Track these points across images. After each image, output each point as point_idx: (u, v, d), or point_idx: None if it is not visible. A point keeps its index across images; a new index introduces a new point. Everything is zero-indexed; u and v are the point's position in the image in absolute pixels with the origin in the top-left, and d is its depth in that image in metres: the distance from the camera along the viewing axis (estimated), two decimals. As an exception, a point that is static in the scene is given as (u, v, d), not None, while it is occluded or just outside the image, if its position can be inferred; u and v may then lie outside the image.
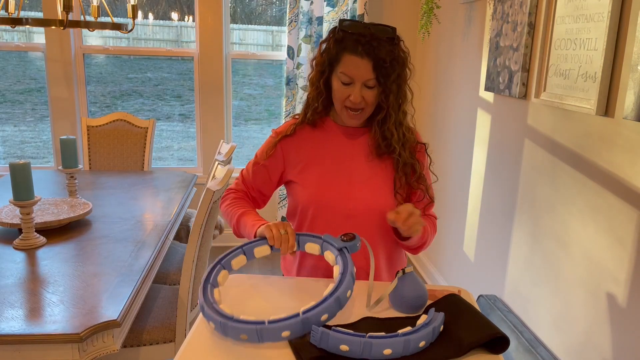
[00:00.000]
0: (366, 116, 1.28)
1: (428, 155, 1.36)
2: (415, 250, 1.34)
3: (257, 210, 1.36)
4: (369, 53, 1.18)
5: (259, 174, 1.37)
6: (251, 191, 1.40)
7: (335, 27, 1.25)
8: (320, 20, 3.32)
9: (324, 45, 1.27)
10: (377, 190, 1.29)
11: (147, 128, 3.09)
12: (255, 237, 1.21)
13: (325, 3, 3.31)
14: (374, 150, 1.30)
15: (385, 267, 1.37)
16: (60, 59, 3.42)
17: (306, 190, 1.32)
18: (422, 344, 0.93)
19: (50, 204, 2.11)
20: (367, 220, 1.28)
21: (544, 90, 1.88)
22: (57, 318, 1.33)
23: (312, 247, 1.17)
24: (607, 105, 1.55)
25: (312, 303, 0.97)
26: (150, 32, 6.18)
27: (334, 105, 1.29)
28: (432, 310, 1.01)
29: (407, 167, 1.29)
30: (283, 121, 3.53)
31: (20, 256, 1.71)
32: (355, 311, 1.11)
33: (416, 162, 1.30)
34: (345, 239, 1.13)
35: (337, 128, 1.34)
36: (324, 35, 3.27)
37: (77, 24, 2.24)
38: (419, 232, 1.19)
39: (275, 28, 6.07)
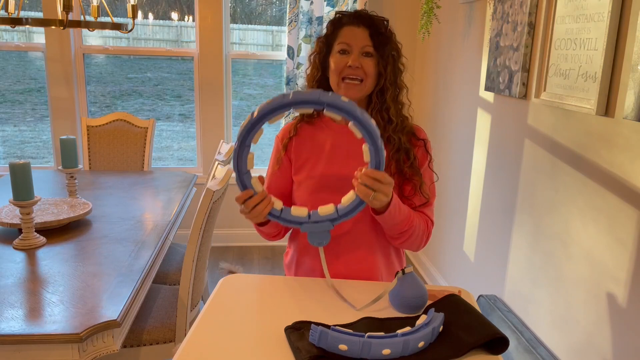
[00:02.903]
0: (365, 90, 1.27)
1: (428, 152, 1.33)
2: (398, 238, 1.27)
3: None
4: (364, 23, 1.26)
5: (280, 181, 1.37)
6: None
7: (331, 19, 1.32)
8: (320, 20, 3.32)
9: (321, 36, 1.32)
10: None
11: (147, 128, 3.08)
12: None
13: (325, 3, 3.31)
14: None
15: (384, 266, 1.36)
16: (60, 59, 3.42)
17: (300, 188, 1.33)
18: (421, 344, 0.93)
19: (50, 204, 2.11)
20: (361, 217, 1.25)
21: (544, 90, 1.88)
22: (57, 318, 1.33)
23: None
24: (607, 105, 1.55)
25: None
26: (150, 32, 6.18)
27: (331, 83, 1.29)
28: (432, 310, 1.01)
29: (400, 153, 1.27)
30: (283, 121, 3.52)
31: (20, 256, 1.71)
32: (353, 311, 1.11)
33: (411, 149, 1.28)
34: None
35: (334, 126, 1.33)
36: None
37: (77, 24, 2.24)
38: (382, 203, 1.13)
39: (275, 28, 6.07)
